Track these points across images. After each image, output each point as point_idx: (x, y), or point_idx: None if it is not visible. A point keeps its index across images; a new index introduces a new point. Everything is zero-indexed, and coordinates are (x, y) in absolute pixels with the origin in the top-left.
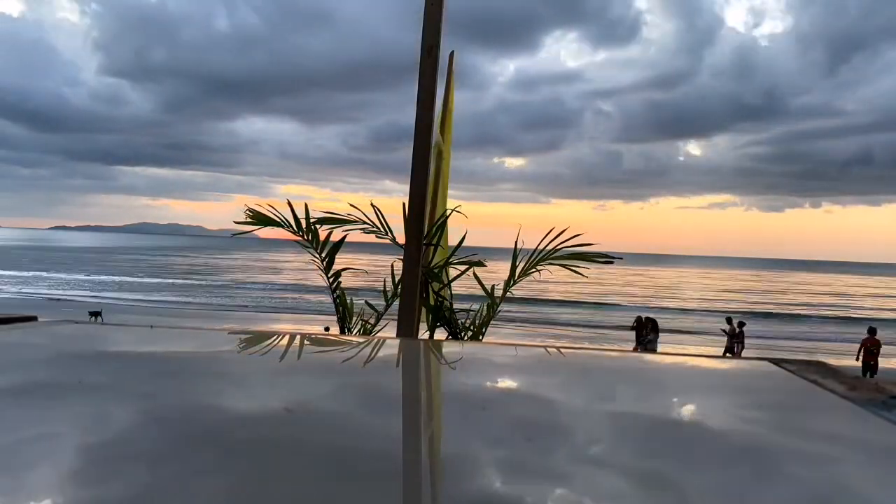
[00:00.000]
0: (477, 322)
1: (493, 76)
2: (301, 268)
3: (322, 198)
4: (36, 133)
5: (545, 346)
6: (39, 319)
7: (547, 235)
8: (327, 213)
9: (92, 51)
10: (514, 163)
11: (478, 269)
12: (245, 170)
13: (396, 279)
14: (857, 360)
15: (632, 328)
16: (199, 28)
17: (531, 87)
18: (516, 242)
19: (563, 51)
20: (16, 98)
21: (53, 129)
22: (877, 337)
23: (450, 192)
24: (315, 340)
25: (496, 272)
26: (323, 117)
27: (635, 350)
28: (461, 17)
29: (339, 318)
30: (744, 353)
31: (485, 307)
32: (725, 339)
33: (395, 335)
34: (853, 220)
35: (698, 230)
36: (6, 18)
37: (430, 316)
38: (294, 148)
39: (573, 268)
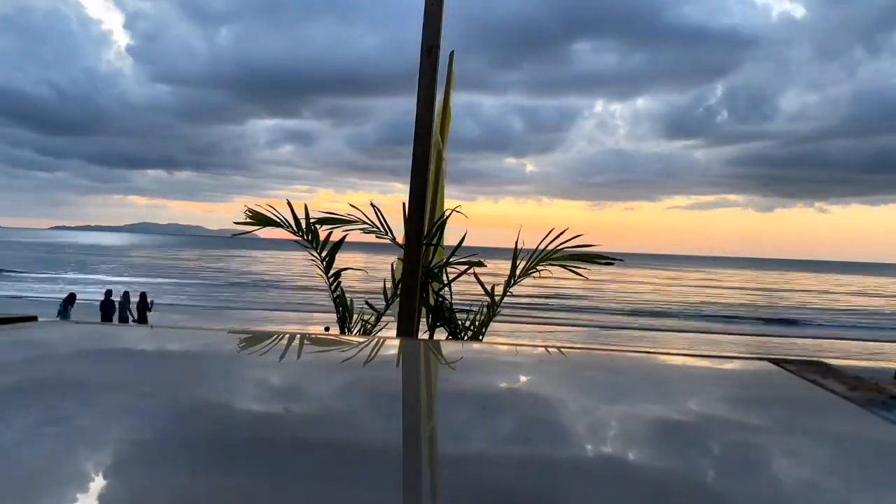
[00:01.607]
0: (477, 322)
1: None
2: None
3: (326, 199)
4: (52, 137)
5: (545, 346)
6: (39, 319)
7: (547, 236)
8: (327, 213)
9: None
10: (523, 164)
11: (480, 269)
12: (250, 172)
13: (396, 279)
14: None
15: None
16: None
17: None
18: (517, 243)
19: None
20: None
21: (71, 132)
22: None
23: (460, 192)
24: (315, 340)
25: (501, 272)
26: (331, 119)
27: None
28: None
29: (339, 318)
30: (744, 353)
31: (484, 307)
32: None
33: (395, 335)
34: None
35: (703, 230)
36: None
37: (430, 316)
38: (301, 150)
39: (573, 268)
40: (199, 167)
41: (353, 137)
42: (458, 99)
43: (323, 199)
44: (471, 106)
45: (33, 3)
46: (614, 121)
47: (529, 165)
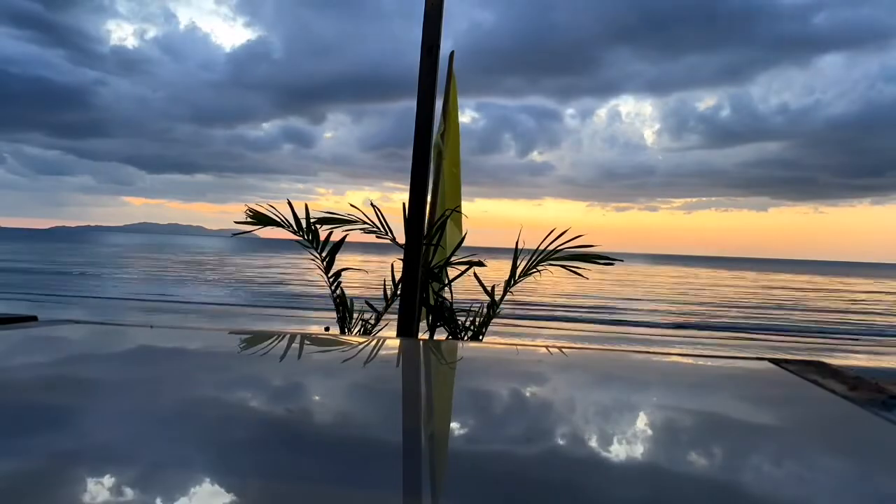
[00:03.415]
0: (477, 322)
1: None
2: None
3: (328, 200)
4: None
5: (545, 346)
6: (39, 319)
7: (548, 236)
8: (328, 212)
9: None
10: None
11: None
12: (254, 173)
13: (396, 279)
14: None
15: None
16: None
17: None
18: (517, 243)
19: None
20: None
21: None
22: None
23: (466, 192)
24: (315, 340)
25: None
26: (342, 121)
27: None
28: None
29: (339, 318)
30: (744, 353)
31: (485, 307)
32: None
33: (395, 335)
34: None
35: (709, 231)
36: None
37: (430, 316)
38: (310, 150)
39: (573, 268)
40: (205, 170)
41: (365, 139)
42: (474, 102)
43: (326, 200)
44: (481, 108)
45: None
46: (623, 122)
47: (537, 165)
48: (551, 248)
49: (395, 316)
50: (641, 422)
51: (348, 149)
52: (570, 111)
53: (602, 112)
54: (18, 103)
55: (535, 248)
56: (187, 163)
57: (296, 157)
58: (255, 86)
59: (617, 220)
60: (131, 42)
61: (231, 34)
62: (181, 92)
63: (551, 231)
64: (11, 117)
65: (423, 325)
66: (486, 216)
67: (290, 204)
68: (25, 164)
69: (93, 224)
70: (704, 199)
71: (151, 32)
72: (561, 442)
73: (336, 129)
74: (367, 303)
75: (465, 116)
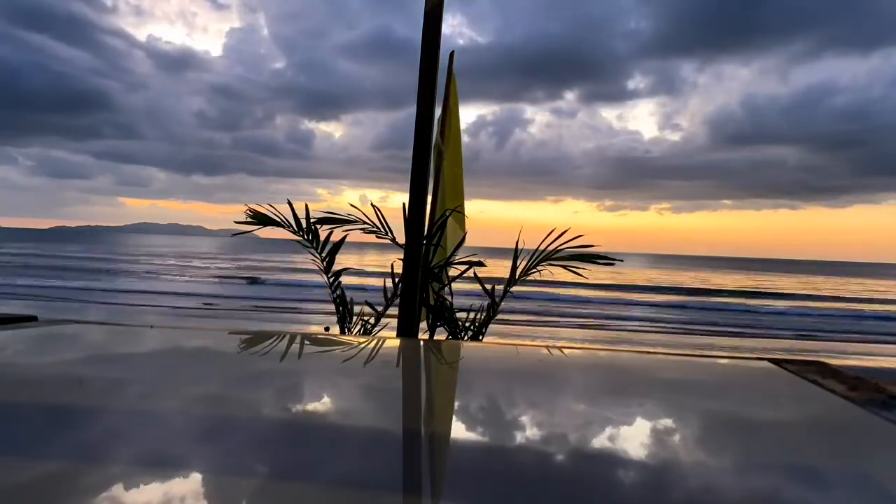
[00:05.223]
0: (477, 322)
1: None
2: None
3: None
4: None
5: (546, 346)
6: (39, 319)
7: (548, 236)
8: (328, 212)
9: None
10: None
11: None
12: (258, 175)
13: (396, 279)
14: None
15: None
16: None
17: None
18: (517, 243)
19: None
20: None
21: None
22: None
23: (469, 193)
24: (315, 340)
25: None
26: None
27: None
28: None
29: (338, 319)
30: (744, 353)
31: (485, 307)
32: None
33: (395, 335)
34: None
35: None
36: None
37: (430, 316)
38: (310, 150)
39: (573, 269)
40: (216, 172)
41: (368, 141)
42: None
43: (325, 201)
44: (482, 109)
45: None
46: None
47: (539, 165)
48: (552, 248)
49: (396, 316)
50: (641, 422)
51: (351, 150)
52: (581, 113)
53: (607, 113)
54: (39, 106)
55: (536, 248)
56: (194, 165)
57: (298, 158)
58: (271, 90)
59: (619, 222)
60: (145, 46)
61: (247, 35)
62: (197, 94)
63: (551, 231)
64: (25, 120)
65: (423, 324)
66: (482, 216)
67: (290, 204)
68: (42, 166)
69: (93, 224)
70: (707, 200)
71: (158, 36)
72: (561, 442)
73: (340, 131)
74: (366, 302)
75: (470, 115)
